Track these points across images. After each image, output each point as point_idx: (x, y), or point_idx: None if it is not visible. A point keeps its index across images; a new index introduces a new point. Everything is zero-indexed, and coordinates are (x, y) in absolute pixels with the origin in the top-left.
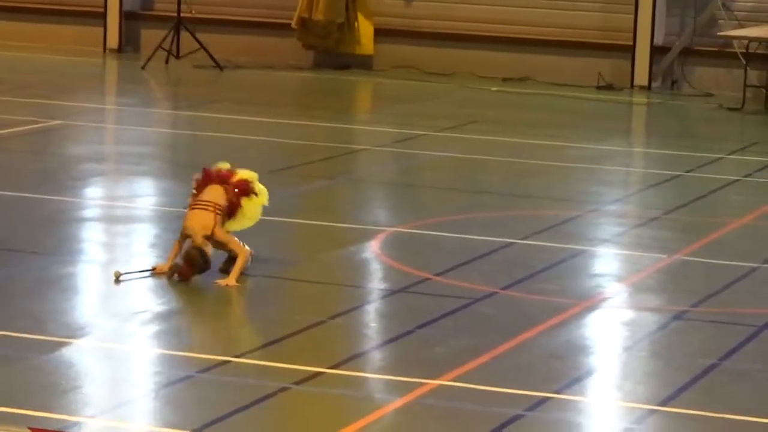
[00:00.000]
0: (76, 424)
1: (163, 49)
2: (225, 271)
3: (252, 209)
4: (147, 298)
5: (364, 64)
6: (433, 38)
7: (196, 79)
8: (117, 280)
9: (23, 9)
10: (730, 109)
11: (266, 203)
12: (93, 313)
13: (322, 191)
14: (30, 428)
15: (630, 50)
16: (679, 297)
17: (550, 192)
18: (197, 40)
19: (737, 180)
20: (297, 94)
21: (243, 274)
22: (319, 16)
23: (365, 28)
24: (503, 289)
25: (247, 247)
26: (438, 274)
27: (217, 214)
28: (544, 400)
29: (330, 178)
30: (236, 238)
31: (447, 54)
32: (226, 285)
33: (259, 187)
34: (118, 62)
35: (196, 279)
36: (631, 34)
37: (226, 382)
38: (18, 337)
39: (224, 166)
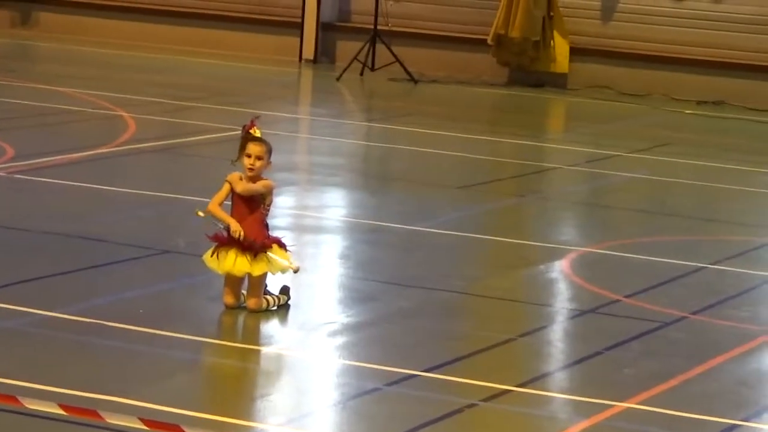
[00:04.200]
0: (263, 431)
1: (359, 61)
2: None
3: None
4: (335, 310)
5: (559, 82)
6: (628, 59)
7: (390, 92)
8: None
9: (223, 17)
10: None
11: (281, 269)
12: (281, 322)
13: (513, 208)
14: None
15: None
16: None
17: (741, 217)
18: (393, 53)
19: None
20: (490, 111)
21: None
22: (515, 33)
23: (561, 47)
24: (693, 313)
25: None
26: (628, 296)
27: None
28: (733, 427)
29: (520, 195)
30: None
31: (642, 75)
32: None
33: (285, 259)
34: (313, 72)
35: (384, 292)
36: None
37: (414, 396)
38: (206, 342)
39: None
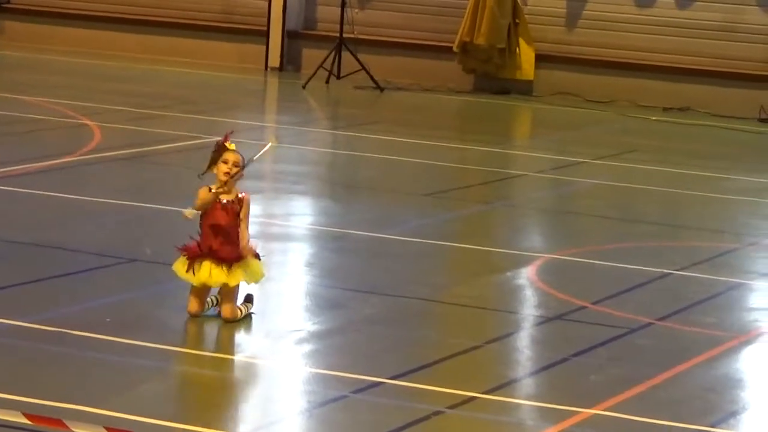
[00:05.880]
0: None
1: (324, 68)
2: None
3: (249, 266)
4: (301, 318)
5: (524, 89)
6: (593, 65)
7: (356, 100)
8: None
9: (187, 26)
10: None
11: (254, 278)
12: (247, 331)
13: (479, 216)
14: None
15: None
16: None
17: (707, 223)
18: (358, 61)
19: None
20: (456, 118)
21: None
22: (480, 40)
23: (526, 54)
24: (659, 319)
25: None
26: (594, 303)
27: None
28: None
29: (487, 202)
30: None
31: (607, 82)
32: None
33: (260, 268)
34: (279, 80)
35: (350, 300)
36: None
37: (380, 404)
38: (173, 351)
39: None
